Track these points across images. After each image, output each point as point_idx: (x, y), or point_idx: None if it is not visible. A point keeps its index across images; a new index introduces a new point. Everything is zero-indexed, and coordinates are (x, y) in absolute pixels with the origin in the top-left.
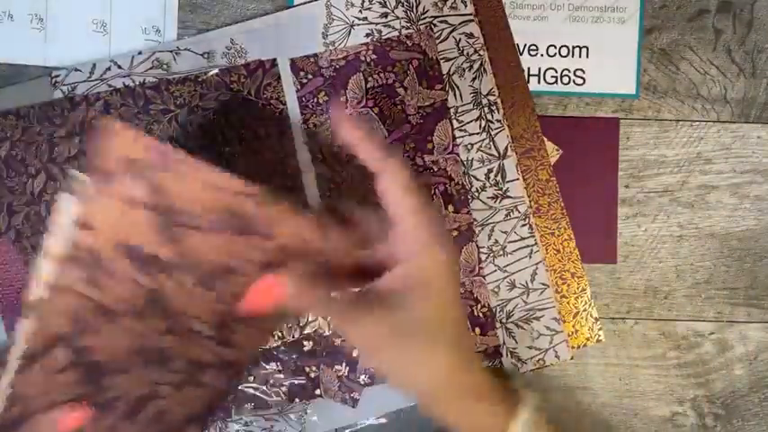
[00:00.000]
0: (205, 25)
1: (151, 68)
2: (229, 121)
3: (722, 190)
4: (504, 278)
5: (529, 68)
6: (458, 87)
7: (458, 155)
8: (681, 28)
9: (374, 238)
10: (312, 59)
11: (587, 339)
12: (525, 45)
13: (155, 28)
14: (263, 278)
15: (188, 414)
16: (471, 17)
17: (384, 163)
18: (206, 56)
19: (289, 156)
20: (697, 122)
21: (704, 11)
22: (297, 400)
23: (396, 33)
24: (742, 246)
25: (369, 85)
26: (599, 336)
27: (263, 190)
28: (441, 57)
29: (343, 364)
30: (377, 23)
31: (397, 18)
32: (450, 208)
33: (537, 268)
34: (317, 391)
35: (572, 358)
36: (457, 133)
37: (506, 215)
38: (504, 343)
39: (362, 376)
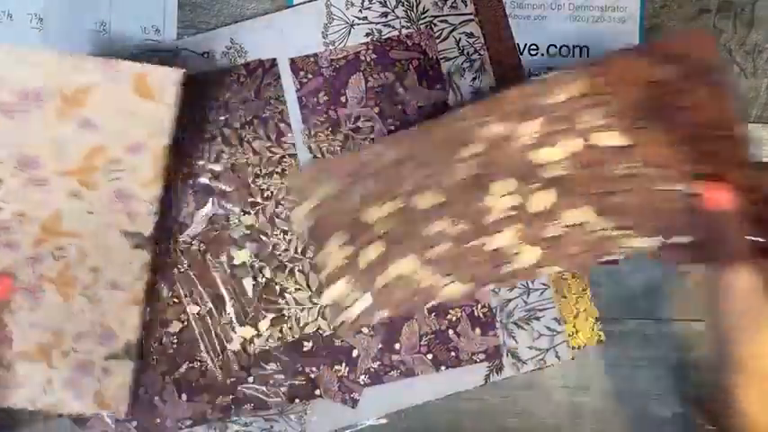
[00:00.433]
0: (205, 25)
1: None
2: None
3: None
4: None
5: (529, 68)
6: (458, 87)
7: None
8: (681, 28)
9: None
10: (312, 59)
11: (588, 339)
12: (525, 45)
13: (154, 28)
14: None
15: None
16: (471, 17)
17: None
18: (206, 55)
19: None
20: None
21: (705, 10)
22: (297, 400)
23: (396, 33)
24: None
25: (369, 85)
26: (599, 336)
27: None
28: (441, 56)
29: (343, 365)
30: (377, 23)
31: (397, 18)
32: None
33: None
34: (317, 392)
35: (572, 359)
36: None
37: None
38: (504, 343)
39: (362, 376)
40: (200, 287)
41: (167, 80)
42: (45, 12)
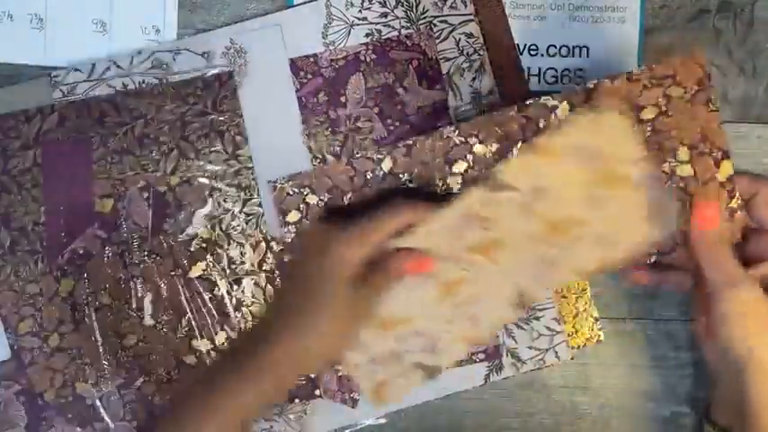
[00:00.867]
0: (205, 25)
1: (151, 68)
2: None
3: None
4: None
5: (529, 68)
6: (457, 87)
7: None
8: (681, 28)
9: None
10: (312, 59)
11: (587, 339)
12: (525, 45)
13: (154, 28)
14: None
15: None
16: (471, 17)
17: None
18: (205, 55)
19: None
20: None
21: (704, 11)
22: (296, 400)
23: (395, 33)
24: None
25: (368, 85)
26: (599, 336)
27: None
28: (440, 57)
29: None
30: (376, 23)
31: (397, 18)
32: None
33: None
34: (317, 392)
35: (572, 358)
36: None
37: None
38: (503, 343)
39: None
40: (156, 300)
41: None
42: (45, 12)
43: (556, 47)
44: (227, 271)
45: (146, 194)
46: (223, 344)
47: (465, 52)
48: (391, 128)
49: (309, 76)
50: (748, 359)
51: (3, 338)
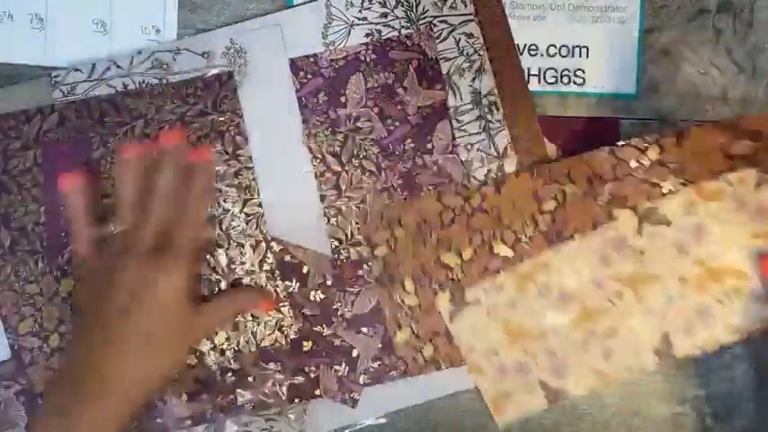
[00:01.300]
0: (205, 25)
1: (151, 68)
2: None
3: None
4: None
5: (529, 68)
6: (457, 87)
7: (458, 155)
8: (681, 28)
9: None
10: (312, 59)
11: None
12: (525, 45)
13: (155, 28)
14: None
15: None
16: (471, 17)
17: None
18: (205, 55)
19: None
20: (697, 122)
21: (704, 11)
22: (296, 400)
23: (395, 33)
24: None
25: (368, 86)
26: None
27: None
28: (440, 57)
29: (343, 364)
30: (376, 23)
31: (397, 18)
32: None
33: None
34: (317, 392)
35: None
36: (457, 133)
37: None
38: None
39: (362, 376)
40: None
41: None
42: (45, 12)
43: (556, 47)
44: (227, 271)
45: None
46: (222, 343)
47: (465, 52)
48: (391, 128)
49: (309, 76)
50: None
51: (3, 338)
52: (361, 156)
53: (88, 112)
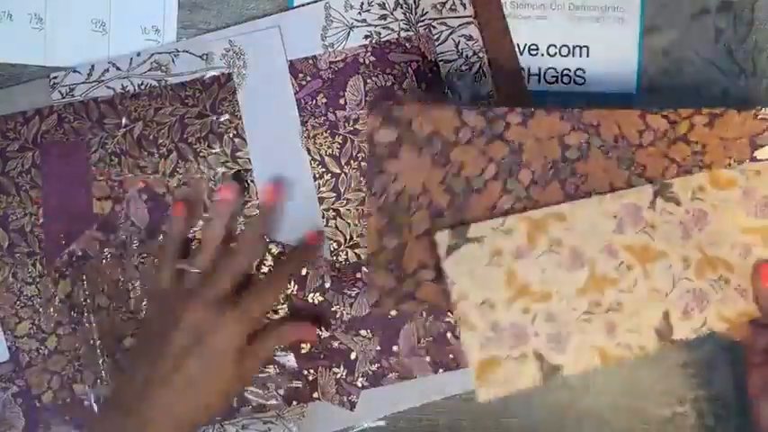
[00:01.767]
0: (205, 25)
1: (150, 70)
2: None
3: None
4: None
5: (529, 68)
6: (457, 90)
7: None
8: (681, 28)
9: None
10: (311, 61)
11: None
12: (525, 45)
13: (154, 28)
14: None
15: None
16: (470, 19)
17: None
18: (204, 57)
19: None
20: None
21: (705, 10)
22: (294, 402)
23: (395, 36)
24: None
25: (367, 88)
26: None
27: None
28: (439, 59)
29: (341, 367)
30: (376, 25)
31: (396, 20)
32: None
33: None
34: (315, 394)
35: None
36: None
37: None
38: None
39: (361, 379)
40: None
41: None
42: (45, 11)
43: (556, 47)
44: None
45: (144, 196)
46: None
47: (464, 55)
48: None
49: (308, 78)
50: None
51: (1, 340)
52: (359, 158)
53: (87, 114)
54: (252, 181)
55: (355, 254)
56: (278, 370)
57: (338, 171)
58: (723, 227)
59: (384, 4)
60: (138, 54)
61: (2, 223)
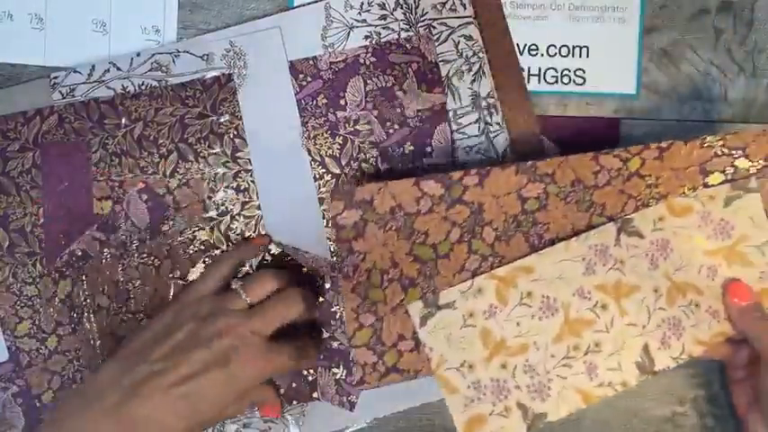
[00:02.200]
0: (205, 25)
1: (150, 70)
2: None
3: None
4: None
5: (529, 68)
6: (457, 90)
7: (457, 158)
8: (681, 28)
9: None
10: (311, 62)
11: None
12: (525, 45)
13: (154, 28)
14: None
15: None
16: (470, 19)
17: None
18: (205, 58)
19: None
20: (697, 122)
21: (704, 11)
22: (294, 402)
23: (395, 36)
24: None
25: (368, 88)
26: None
27: None
28: (440, 59)
29: (341, 367)
30: (376, 25)
31: (396, 20)
32: None
33: None
34: (315, 394)
35: None
36: (456, 136)
37: None
38: None
39: None
40: (154, 303)
41: None
42: (45, 12)
43: (556, 47)
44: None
45: (144, 197)
46: None
47: (464, 55)
48: (390, 131)
49: (309, 79)
50: None
51: (1, 340)
52: (359, 159)
53: (87, 114)
54: (252, 181)
55: None
56: None
57: (338, 172)
58: (686, 252)
59: (384, 4)
60: (139, 54)
61: (2, 223)
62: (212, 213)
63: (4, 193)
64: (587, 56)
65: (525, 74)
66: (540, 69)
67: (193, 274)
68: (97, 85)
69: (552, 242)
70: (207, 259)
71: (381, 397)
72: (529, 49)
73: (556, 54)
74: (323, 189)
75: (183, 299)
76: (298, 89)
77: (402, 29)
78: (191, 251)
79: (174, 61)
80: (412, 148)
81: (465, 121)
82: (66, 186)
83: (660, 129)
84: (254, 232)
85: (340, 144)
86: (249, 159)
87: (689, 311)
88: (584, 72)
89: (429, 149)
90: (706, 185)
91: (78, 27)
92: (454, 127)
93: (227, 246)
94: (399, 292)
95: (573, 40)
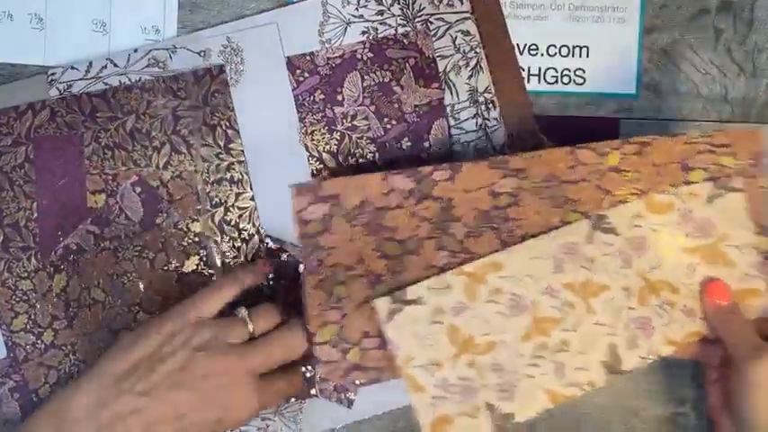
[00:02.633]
0: (205, 25)
1: (147, 66)
2: None
3: None
4: None
5: (529, 68)
6: (454, 85)
7: (454, 153)
8: (681, 28)
9: None
10: (308, 57)
11: None
12: (525, 45)
13: (154, 28)
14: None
15: None
16: (467, 14)
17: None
18: (202, 54)
19: None
20: (697, 122)
21: (704, 11)
22: (292, 399)
23: (392, 31)
24: None
25: (365, 84)
26: None
27: None
28: (437, 54)
29: None
30: (373, 21)
31: (393, 16)
32: None
33: None
34: (313, 391)
35: None
36: (453, 131)
37: None
38: None
39: None
40: (149, 295)
41: None
42: (45, 11)
43: (556, 47)
44: (221, 266)
45: (138, 189)
46: None
47: (461, 50)
48: (388, 126)
49: (306, 75)
50: None
51: None
52: (357, 154)
53: (79, 108)
54: (246, 173)
55: None
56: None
57: (336, 167)
58: (664, 250)
59: None
60: (136, 50)
61: None
62: (206, 205)
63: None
64: (587, 56)
65: (525, 74)
66: (540, 69)
67: (188, 266)
68: (94, 82)
69: (524, 239)
70: (202, 251)
71: (381, 394)
72: (529, 49)
73: (556, 54)
74: None
75: (177, 318)
76: (295, 85)
77: (399, 24)
78: (185, 243)
79: (171, 57)
80: (409, 143)
81: (462, 116)
82: (60, 180)
83: (660, 129)
84: (249, 223)
85: (337, 140)
86: (242, 151)
87: (662, 311)
88: (584, 72)
89: (426, 145)
90: (687, 182)
91: (78, 27)
92: (452, 122)
93: (221, 237)
94: (365, 289)
95: (573, 40)
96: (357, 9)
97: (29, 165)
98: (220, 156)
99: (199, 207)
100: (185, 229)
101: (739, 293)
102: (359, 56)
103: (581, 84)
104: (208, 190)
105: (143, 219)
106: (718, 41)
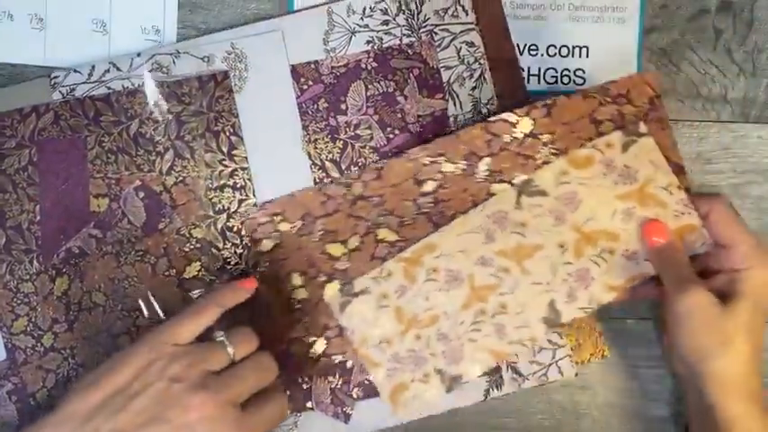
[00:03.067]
0: (205, 25)
1: (150, 71)
2: None
3: (722, 190)
4: None
5: (529, 68)
6: (458, 96)
7: None
8: (681, 28)
9: None
10: (313, 66)
11: (591, 355)
12: (525, 45)
13: (154, 28)
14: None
15: None
16: (472, 26)
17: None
18: (206, 60)
19: None
20: (697, 122)
21: (704, 11)
22: (288, 412)
23: (397, 41)
24: None
25: (369, 93)
26: (604, 351)
27: None
28: (441, 65)
29: (337, 376)
30: (378, 31)
31: (398, 26)
32: None
33: None
34: (309, 404)
35: (576, 375)
36: None
37: None
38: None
39: (356, 389)
40: (150, 300)
41: None
42: (45, 11)
43: (556, 47)
44: (222, 272)
45: (141, 194)
46: None
47: (466, 61)
48: (391, 136)
49: (310, 83)
50: (701, 367)
51: None
52: (360, 163)
53: (83, 111)
54: (249, 179)
55: None
56: None
57: (338, 176)
58: (596, 201)
59: (386, 9)
60: (139, 55)
61: None
62: (209, 211)
63: (1, 191)
64: (587, 56)
65: (525, 74)
66: (539, 69)
67: (190, 272)
68: (97, 86)
69: (454, 218)
70: (203, 258)
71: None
72: (529, 49)
73: (556, 54)
74: None
75: (152, 347)
76: (299, 93)
77: (404, 34)
78: (187, 249)
79: (174, 62)
80: None
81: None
82: (63, 183)
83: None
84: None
85: (340, 148)
86: (246, 157)
87: (600, 259)
88: (584, 72)
89: None
90: (600, 134)
91: (78, 27)
92: None
93: (224, 244)
94: (320, 288)
95: (573, 40)
96: (362, 18)
97: (32, 167)
98: (224, 162)
99: (201, 213)
100: (187, 235)
101: (677, 231)
102: (363, 65)
103: (581, 84)
104: (211, 196)
105: (145, 224)
106: (717, 41)
